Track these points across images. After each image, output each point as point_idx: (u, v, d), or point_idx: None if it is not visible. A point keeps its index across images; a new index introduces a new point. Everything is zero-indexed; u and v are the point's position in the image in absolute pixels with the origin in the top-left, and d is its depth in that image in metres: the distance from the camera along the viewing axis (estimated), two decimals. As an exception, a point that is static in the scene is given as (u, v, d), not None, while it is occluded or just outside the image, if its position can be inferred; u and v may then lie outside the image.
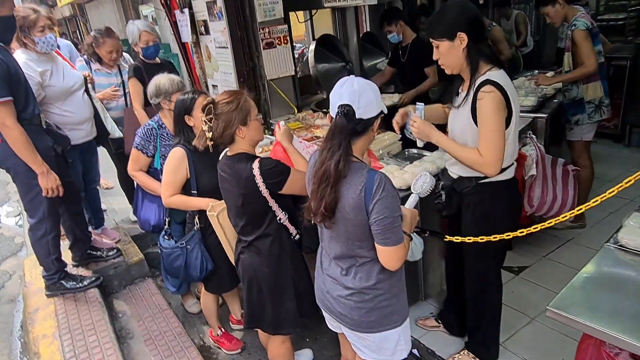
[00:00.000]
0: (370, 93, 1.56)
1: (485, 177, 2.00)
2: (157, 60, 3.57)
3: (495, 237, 2.01)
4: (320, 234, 1.81)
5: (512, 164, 2.03)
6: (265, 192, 1.93)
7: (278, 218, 2.04)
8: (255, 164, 1.91)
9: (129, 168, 2.79)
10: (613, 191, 1.57)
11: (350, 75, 1.62)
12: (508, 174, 2.02)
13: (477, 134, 1.91)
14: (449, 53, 1.90)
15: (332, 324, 1.94)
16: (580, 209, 1.75)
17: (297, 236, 2.13)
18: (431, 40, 1.93)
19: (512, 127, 1.90)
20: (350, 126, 1.54)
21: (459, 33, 1.83)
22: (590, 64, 3.13)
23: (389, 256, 1.58)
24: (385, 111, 1.65)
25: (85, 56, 3.70)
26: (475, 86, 1.87)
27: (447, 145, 2.00)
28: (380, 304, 1.68)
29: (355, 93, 1.53)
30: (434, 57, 1.97)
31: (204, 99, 2.15)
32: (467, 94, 1.93)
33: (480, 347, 2.42)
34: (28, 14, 2.85)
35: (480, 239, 2.02)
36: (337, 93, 1.57)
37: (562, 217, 1.80)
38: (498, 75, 1.86)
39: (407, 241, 1.64)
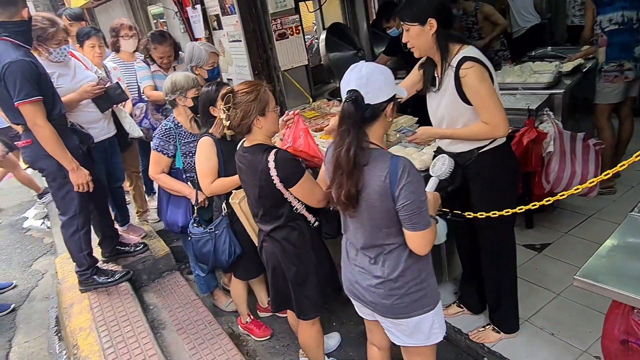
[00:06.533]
0: (379, 77, 1.54)
1: (485, 146, 2.09)
2: None
3: (521, 209, 2.09)
4: (343, 225, 1.81)
5: None
6: (279, 185, 1.96)
7: (295, 208, 2.07)
8: (271, 157, 1.93)
9: (150, 172, 2.83)
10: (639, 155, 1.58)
11: (360, 61, 1.60)
12: (501, 139, 2.10)
13: (469, 111, 2.01)
14: (419, 37, 1.97)
15: (362, 311, 1.93)
16: (608, 173, 1.77)
17: (316, 223, 2.17)
18: (402, 23, 2.01)
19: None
20: (358, 113, 1.52)
21: (429, 19, 1.92)
22: (584, 35, 3.54)
23: (418, 241, 1.58)
24: (404, 95, 1.64)
25: (141, 58, 3.74)
26: (454, 67, 1.95)
27: (454, 133, 2.11)
28: (411, 290, 1.67)
29: (363, 78, 1.52)
30: (404, 40, 2.04)
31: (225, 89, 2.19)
32: (445, 76, 2.02)
33: (502, 321, 2.46)
34: (46, 26, 2.90)
35: (506, 211, 2.09)
36: (346, 79, 1.57)
37: (574, 190, 1.83)
38: (471, 50, 1.96)
39: (434, 224, 1.63)
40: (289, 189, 1.98)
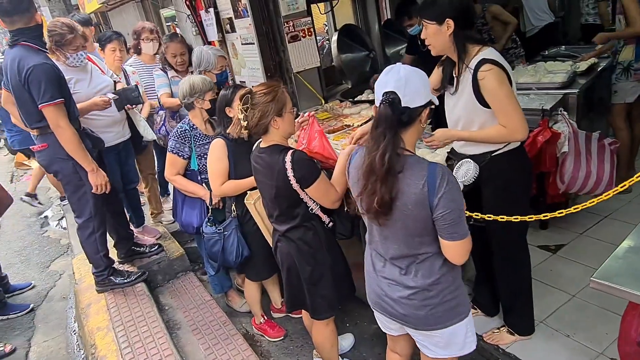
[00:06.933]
0: (417, 80, 1.49)
1: (498, 150, 2.07)
2: None
3: (531, 218, 2.08)
4: (369, 236, 1.73)
5: None
6: (295, 185, 1.99)
7: (310, 208, 2.10)
8: (288, 157, 1.96)
9: (166, 173, 2.87)
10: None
11: (397, 64, 1.55)
12: (516, 142, 2.08)
13: (486, 114, 1.99)
14: (435, 36, 1.98)
15: (389, 326, 1.84)
16: (625, 185, 1.76)
17: (330, 224, 2.19)
18: (422, 20, 2.01)
19: None
20: (395, 115, 1.45)
21: (447, 19, 1.91)
22: (638, 25, 3.16)
23: (456, 251, 1.53)
24: (436, 102, 1.59)
25: (160, 65, 3.74)
26: (472, 69, 1.94)
27: (471, 136, 2.09)
28: (445, 298, 1.61)
29: (401, 80, 1.46)
30: (422, 36, 2.05)
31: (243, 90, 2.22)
32: (463, 78, 2.00)
33: (517, 323, 2.45)
34: (65, 32, 2.95)
35: (514, 218, 2.07)
36: (382, 81, 1.51)
37: (605, 196, 1.81)
38: (490, 53, 1.94)
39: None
40: (305, 190, 2.01)
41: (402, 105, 1.46)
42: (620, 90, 3.41)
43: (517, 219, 2.06)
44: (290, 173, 1.96)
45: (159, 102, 3.81)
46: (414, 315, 1.63)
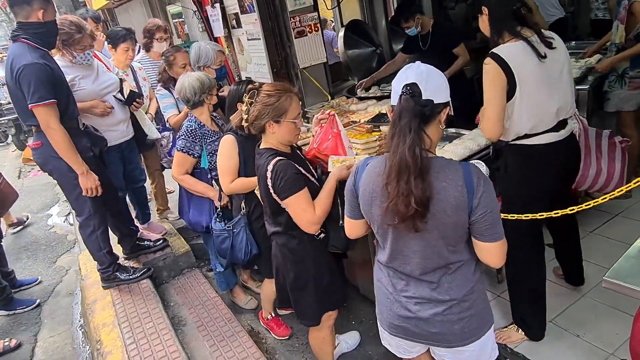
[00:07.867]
0: (439, 77, 1.43)
1: (515, 140, 2.09)
2: None
3: (542, 215, 2.05)
4: (389, 254, 1.55)
5: (543, 132, 2.06)
6: (274, 195, 1.94)
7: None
8: (271, 165, 1.90)
9: (173, 173, 2.82)
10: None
11: (416, 62, 1.48)
12: (536, 140, 2.07)
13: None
14: (481, 24, 2.13)
15: (409, 350, 1.69)
16: (638, 181, 1.71)
17: (321, 235, 2.08)
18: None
19: (516, 98, 1.98)
20: (417, 108, 1.36)
21: (483, 7, 2.06)
22: None
23: (497, 252, 1.45)
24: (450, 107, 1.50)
25: (160, 84, 3.48)
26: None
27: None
28: (479, 307, 1.53)
29: (423, 73, 1.40)
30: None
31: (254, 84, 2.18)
32: None
33: (522, 323, 2.41)
34: (73, 31, 2.93)
35: (525, 216, 2.03)
36: (402, 75, 1.43)
37: (618, 192, 1.77)
38: (507, 47, 1.96)
39: None
40: (282, 202, 1.95)
41: (423, 97, 1.38)
42: (614, 97, 3.30)
43: (514, 216, 2.05)
44: (269, 182, 1.91)
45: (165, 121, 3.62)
46: (450, 332, 1.52)
